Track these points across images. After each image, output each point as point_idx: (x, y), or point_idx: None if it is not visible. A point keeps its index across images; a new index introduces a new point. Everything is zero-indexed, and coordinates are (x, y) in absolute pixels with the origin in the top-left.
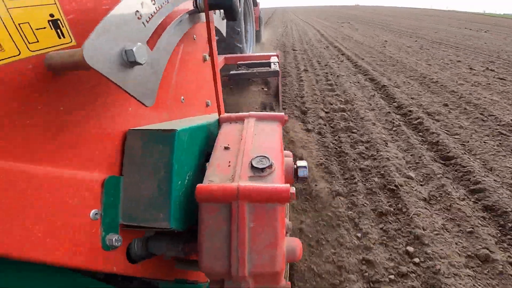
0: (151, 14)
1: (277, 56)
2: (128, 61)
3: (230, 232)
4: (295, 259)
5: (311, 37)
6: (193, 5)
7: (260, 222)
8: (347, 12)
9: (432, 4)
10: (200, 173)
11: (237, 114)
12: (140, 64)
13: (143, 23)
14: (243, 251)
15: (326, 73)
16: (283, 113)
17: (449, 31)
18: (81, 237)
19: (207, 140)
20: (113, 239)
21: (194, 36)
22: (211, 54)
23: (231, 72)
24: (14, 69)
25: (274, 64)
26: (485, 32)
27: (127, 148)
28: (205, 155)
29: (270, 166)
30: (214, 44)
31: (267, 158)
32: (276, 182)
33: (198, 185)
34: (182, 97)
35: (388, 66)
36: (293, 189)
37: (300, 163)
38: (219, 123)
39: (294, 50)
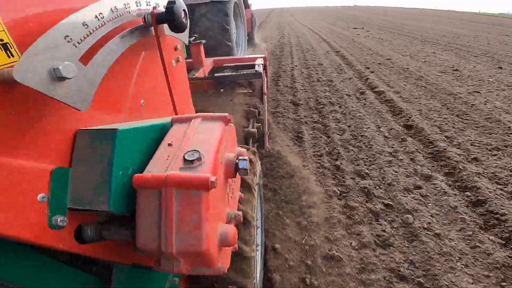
0: (84, 37)
1: (264, 58)
2: (57, 77)
3: (160, 214)
4: (228, 244)
5: (323, 59)
6: (143, 21)
7: (185, 206)
8: (346, 12)
9: (436, 4)
10: None
11: (186, 115)
12: (69, 78)
13: (74, 44)
14: (171, 231)
15: None
16: (226, 114)
17: (498, 40)
18: (30, 215)
19: (160, 138)
20: (59, 220)
21: None
22: (163, 64)
23: (216, 75)
24: None
25: (258, 66)
26: None
27: (76, 144)
28: None
29: (200, 159)
30: (167, 55)
31: (198, 151)
32: (204, 173)
33: (135, 175)
34: (142, 101)
35: None
36: (213, 178)
37: (241, 157)
38: (172, 123)
39: (295, 103)
